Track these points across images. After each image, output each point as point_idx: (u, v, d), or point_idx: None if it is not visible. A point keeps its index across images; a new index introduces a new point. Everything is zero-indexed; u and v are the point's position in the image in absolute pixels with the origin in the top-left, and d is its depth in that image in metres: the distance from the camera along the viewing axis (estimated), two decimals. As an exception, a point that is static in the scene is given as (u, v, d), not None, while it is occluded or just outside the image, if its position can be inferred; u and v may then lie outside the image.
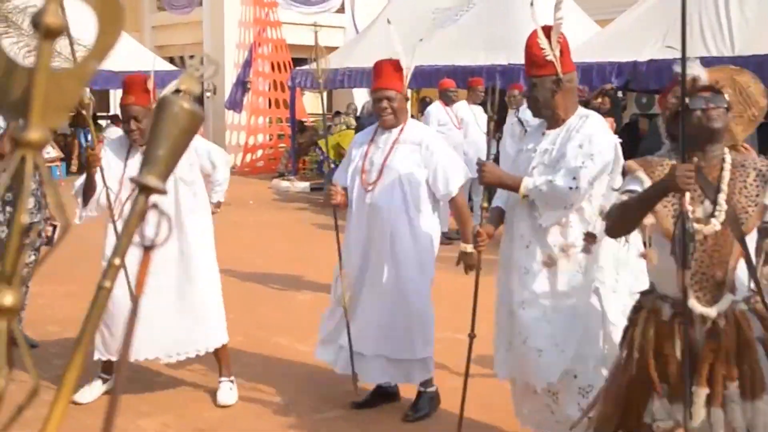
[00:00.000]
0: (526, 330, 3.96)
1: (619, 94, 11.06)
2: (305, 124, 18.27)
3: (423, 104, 14.85)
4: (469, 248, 4.46)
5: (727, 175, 3.03)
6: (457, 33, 13.07)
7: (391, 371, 4.85)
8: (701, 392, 2.91)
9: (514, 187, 3.94)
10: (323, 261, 9.26)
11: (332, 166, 14.85)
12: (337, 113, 18.36)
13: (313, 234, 11.56)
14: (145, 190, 0.87)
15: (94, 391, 5.02)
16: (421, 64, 8.10)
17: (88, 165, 4.75)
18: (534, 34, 3.92)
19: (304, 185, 16.35)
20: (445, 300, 5.98)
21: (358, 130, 6.08)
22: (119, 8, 0.77)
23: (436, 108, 11.04)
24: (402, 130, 4.76)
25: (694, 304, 2.94)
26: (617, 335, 3.91)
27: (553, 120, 3.99)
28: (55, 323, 6.24)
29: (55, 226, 6.08)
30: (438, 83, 11.37)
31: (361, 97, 17.97)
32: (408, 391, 5.06)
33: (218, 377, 5.21)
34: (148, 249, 0.84)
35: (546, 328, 3.92)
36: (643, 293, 3.24)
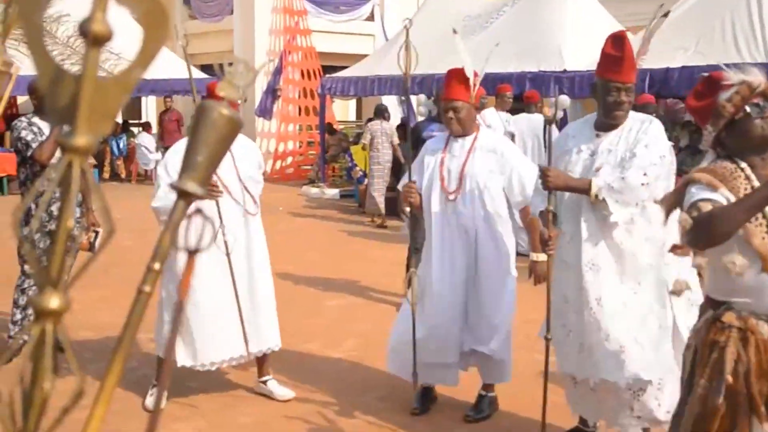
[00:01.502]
0: (605, 327, 3.99)
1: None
2: (333, 127, 18.30)
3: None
4: (542, 257, 4.37)
5: None
6: (487, 40, 13.04)
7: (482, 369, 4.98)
8: None
9: (583, 189, 3.94)
10: (353, 268, 9.30)
11: (360, 173, 14.94)
12: (369, 120, 18.37)
13: (342, 241, 11.59)
14: (184, 195, 0.88)
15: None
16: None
17: (211, 196, 4.67)
18: (626, 41, 4.02)
19: (334, 192, 16.41)
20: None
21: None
22: (165, 16, 0.78)
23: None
24: (476, 138, 4.82)
25: None
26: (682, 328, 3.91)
27: (618, 123, 4.04)
28: (89, 329, 6.30)
29: (97, 233, 6.12)
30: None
31: (390, 104, 17.95)
32: (461, 393, 5.08)
33: (261, 377, 5.36)
34: (192, 254, 0.85)
35: (623, 324, 3.97)
36: (720, 308, 2.94)
